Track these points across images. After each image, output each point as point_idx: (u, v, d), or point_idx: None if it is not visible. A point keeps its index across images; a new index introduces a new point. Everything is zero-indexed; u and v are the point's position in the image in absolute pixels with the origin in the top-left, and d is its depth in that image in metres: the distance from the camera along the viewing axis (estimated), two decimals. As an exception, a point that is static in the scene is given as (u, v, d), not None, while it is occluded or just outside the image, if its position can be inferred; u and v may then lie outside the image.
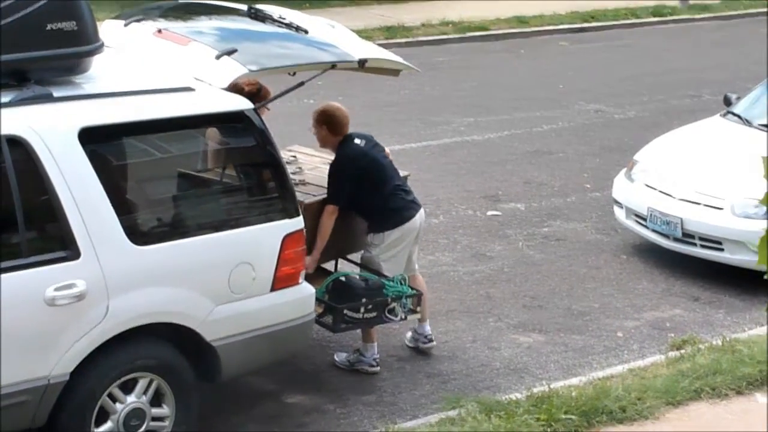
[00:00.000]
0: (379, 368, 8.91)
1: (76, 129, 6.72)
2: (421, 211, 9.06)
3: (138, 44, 7.96)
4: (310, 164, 9.35)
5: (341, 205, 8.64)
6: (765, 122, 11.80)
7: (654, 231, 11.26)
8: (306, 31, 8.18)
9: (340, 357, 9.00)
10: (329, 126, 8.84)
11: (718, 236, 10.69)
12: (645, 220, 11.32)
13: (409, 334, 9.31)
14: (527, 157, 14.66)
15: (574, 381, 8.71)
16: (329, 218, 8.63)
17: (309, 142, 9.99)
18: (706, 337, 9.66)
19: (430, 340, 9.23)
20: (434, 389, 8.69)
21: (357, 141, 8.89)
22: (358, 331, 8.83)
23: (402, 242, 8.86)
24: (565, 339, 9.69)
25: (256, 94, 8.64)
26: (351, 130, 8.94)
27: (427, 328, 9.24)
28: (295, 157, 9.53)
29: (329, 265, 9.35)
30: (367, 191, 8.74)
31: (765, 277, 3.53)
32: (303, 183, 8.95)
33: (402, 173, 9.16)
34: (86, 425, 6.85)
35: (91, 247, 6.70)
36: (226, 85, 7.45)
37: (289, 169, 9.06)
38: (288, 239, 7.48)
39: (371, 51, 8.74)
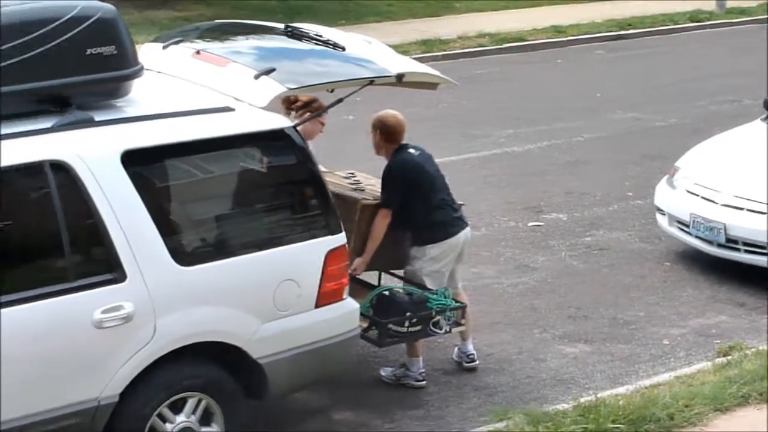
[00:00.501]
0: (425, 382, 8.91)
1: (119, 152, 6.78)
2: (467, 229, 9.05)
3: (177, 66, 8.02)
4: (367, 181, 9.37)
5: (394, 208, 8.70)
6: (806, 125, 11.76)
7: (697, 237, 11.22)
8: (343, 48, 8.21)
9: (386, 372, 9.01)
10: (383, 133, 8.97)
11: (762, 241, 10.64)
12: (688, 226, 11.29)
13: (456, 350, 9.31)
14: (568, 167, 14.65)
15: (621, 390, 8.69)
16: (382, 221, 8.69)
17: (348, 159, 10.04)
18: (752, 343, 9.61)
19: (472, 360, 9.21)
20: (481, 402, 8.69)
21: (411, 150, 8.97)
22: (403, 345, 8.84)
23: (444, 258, 8.86)
24: (611, 348, 9.66)
25: (309, 105, 8.87)
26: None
27: (470, 347, 9.22)
28: (353, 174, 9.54)
29: (373, 280, 9.38)
30: (414, 201, 8.77)
31: None
32: (361, 189, 9.01)
33: (459, 202, 9.16)
34: (137, 446, 6.90)
35: (137, 269, 6.75)
36: (265, 104, 7.49)
37: (348, 180, 9.12)
38: (331, 255, 7.50)
39: (408, 65, 8.77)
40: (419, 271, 8.83)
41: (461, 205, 9.18)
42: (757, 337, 9.82)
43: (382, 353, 9.19)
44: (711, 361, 9.24)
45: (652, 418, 8.06)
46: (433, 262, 8.82)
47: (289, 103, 8.93)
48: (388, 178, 8.83)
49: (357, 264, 8.65)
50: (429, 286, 8.77)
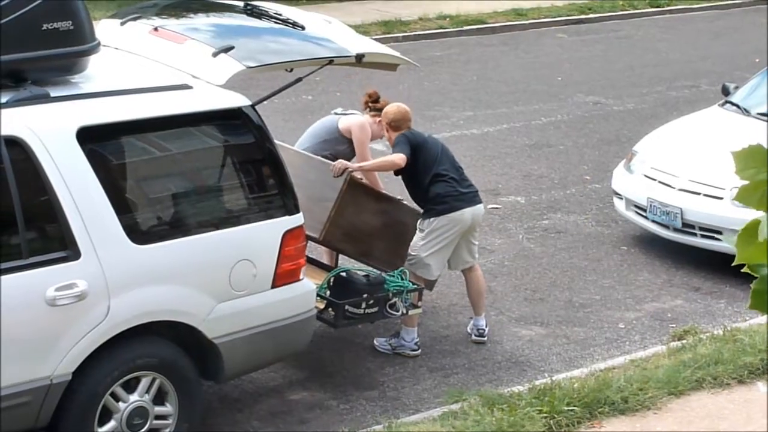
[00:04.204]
0: (420, 351, 9.02)
1: (74, 129, 6.72)
2: (476, 207, 9.07)
3: (135, 43, 7.95)
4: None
5: (405, 154, 8.76)
6: (763, 111, 11.81)
7: (654, 222, 11.27)
8: (303, 27, 8.19)
9: (380, 341, 9.08)
10: (389, 124, 9.14)
11: (718, 226, 10.68)
12: (645, 210, 11.33)
13: (471, 322, 9.46)
14: (526, 151, 14.66)
15: (576, 373, 8.72)
16: (394, 158, 8.80)
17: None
18: (707, 327, 9.66)
19: (481, 335, 9.34)
20: (437, 383, 8.69)
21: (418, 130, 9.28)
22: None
23: (447, 232, 8.89)
24: (567, 331, 9.69)
25: (379, 111, 9.29)
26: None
27: (482, 322, 9.36)
28: None
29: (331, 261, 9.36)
30: (417, 171, 8.89)
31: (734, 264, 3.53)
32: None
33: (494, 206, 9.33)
34: (89, 424, 6.86)
35: (92, 247, 6.69)
36: (223, 83, 7.44)
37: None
38: (288, 235, 7.48)
39: (368, 46, 8.76)
40: (418, 242, 8.89)
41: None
42: (711, 322, 9.88)
43: (338, 333, 9.18)
44: (665, 345, 9.29)
45: (606, 401, 8.09)
46: (433, 234, 8.86)
47: (367, 102, 9.48)
48: (396, 142, 8.96)
49: (348, 165, 8.77)
50: (427, 261, 8.84)
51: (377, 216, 9.13)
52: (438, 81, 18.09)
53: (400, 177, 9.15)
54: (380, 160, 9.01)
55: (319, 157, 9.06)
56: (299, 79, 8.28)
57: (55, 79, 6.98)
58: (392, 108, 9.21)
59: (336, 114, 9.63)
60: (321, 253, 9.75)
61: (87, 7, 7.05)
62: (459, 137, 15.10)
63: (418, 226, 8.99)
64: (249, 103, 7.53)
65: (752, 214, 3.48)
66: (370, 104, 9.48)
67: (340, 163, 8.78)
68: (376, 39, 14.27)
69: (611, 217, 12.21)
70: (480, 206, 9.12)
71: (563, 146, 14.90)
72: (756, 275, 3.48)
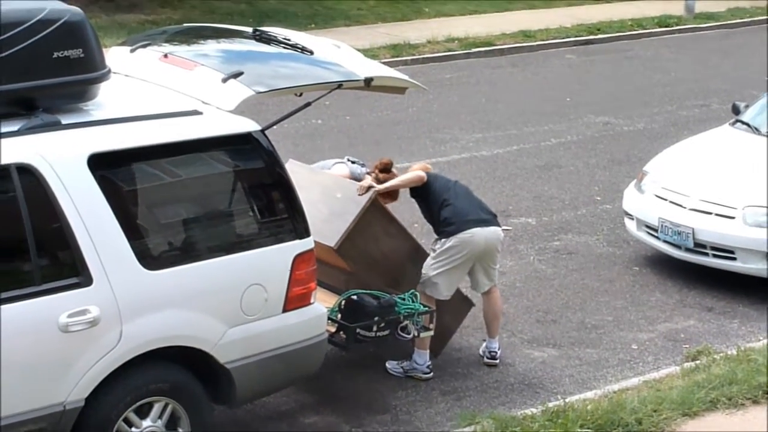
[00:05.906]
0: (432, 374, 9.02)
1: (85, 155, 6.74)
2: (489, 229, 9.07)
3: (145, 70, 7.98)
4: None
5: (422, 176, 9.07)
6: (774, 130, 11.81)
7: (665, 242, 11.25)
8: (311, 52, 8.20)
9: (392, 364, 9.10)
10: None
11: (730, 245, 10.67)
12: (656, 231, 11.32)
13: (483, 344, 9.48)
14: (536, 172, 14.66)
15: (589, 394, 8.71)
16: (417, 172, 9.11)
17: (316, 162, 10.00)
18: (720, 347, 9.64)
19: (493, 357, 9.37)
20: (449, 406, 8.68)
21: None
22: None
23: (458, 254, 8.92)
24: (579, 353, 9.68)
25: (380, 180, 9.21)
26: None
27: (495, 344, 9.38)
28: None
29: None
30: (429, 195, 9.08)
31: None
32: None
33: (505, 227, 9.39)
34: (103, 451, 6.85)
35: (104, 273, 6.71)
36: (233, 108, 7.46)
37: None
38: (299, 259, 7.48)
39: (377, 69, 8.77)
40: (429, 262, 8.95)
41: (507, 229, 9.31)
42: (725, 342, 9.86)
43: (350, 356, 9.17)
44: (679, 366, 9.27)
45: (620, 423, 8.07)
46: (444, 255, 8.91)
47: (376, 167, 9.36)
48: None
49: (373, 184, 8.88)
50: (436, 280, 8.87)
51: (400, 250, 9.07)
52: (447, 103, 18.11)
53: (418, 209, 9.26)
54: (404, 177, 9.11)
55: (349, 180, 9.13)
56: (308, 104, 8.30)
57: (66, 106, 7.00)
58: (415, 166, 9.44)
59: (343, 162, 9.74)
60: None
61: (97, 35, 7.08)
62: (469, 159, 15.12)
63: (431, 247, 9.01)
64: (259, 127, 7.54)
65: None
66: (377, 172, 9.36)
67: (366, 181, 8.85)
68: (384, 62, 14.32)
69: (622, 237, 12.21)
70: (494, 229, 9.10)
71: (573, 167, 14.90)
72: None
